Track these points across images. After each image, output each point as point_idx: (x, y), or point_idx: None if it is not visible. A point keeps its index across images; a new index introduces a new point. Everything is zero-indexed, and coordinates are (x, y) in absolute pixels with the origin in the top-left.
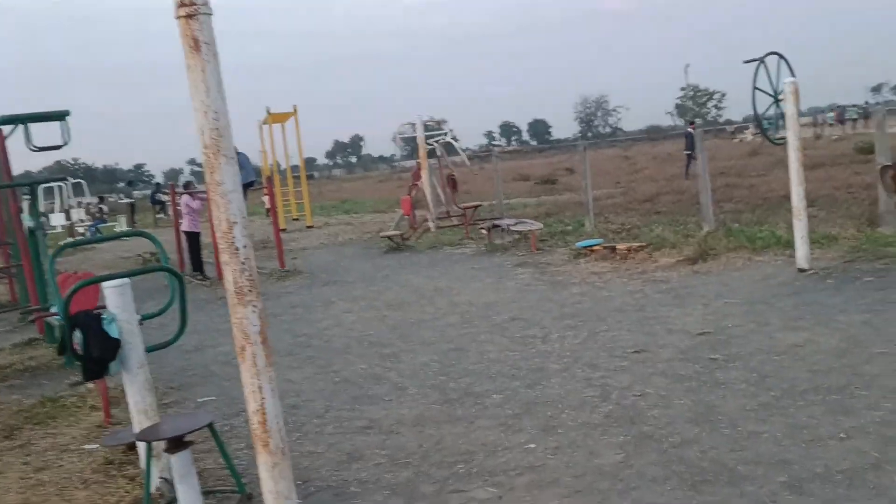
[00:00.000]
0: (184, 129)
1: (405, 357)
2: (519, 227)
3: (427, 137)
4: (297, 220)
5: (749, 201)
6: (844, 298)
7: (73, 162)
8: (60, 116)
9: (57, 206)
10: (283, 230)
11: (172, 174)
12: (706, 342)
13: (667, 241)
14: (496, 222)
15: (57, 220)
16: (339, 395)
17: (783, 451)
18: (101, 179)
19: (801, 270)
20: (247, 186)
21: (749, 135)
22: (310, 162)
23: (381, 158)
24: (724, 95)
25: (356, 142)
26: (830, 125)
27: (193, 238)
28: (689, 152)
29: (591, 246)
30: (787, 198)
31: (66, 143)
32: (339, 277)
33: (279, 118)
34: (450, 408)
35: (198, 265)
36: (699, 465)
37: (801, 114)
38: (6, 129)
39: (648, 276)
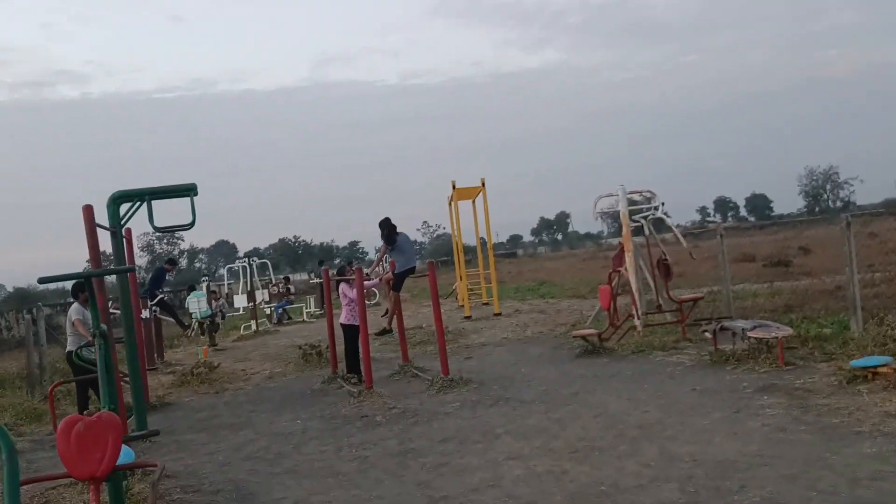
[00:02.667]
0: (400, 210)
1: None
2: (758, 334)
3: (632, 213)
4: (486, 304)
5: None
6: None
7: (293, 239)
8: (186, 192)
9: (240, 287)
10: (468, 318)
11: None
12: None
13: None
14: (724, 323)
15: (240, 301)
16: None
17: None
18: (318, 256)
19: None
20: (407, 273)
21: None
22: (515, 239)
23: (588, 235)
24: None
25: (562, 219)
26: None
27: (351, 332)
28: None
29: (874, 367)
30: None
31: (191, 224)
32: (514, 393)
33: (466, 193)
34: None
35: (354, 365)
36: None
37: None
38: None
39: None
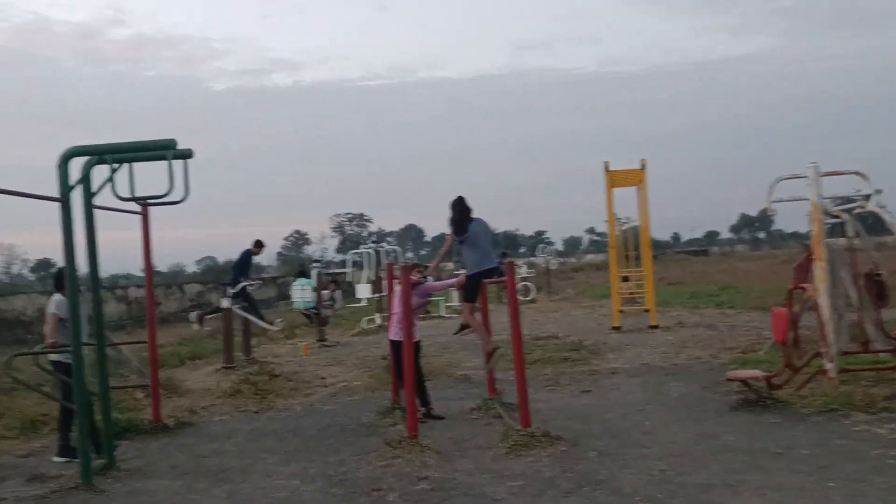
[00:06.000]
0: (583, 200)
1: None
2: None
3: (832, 204)
4: (648, 311)
5: None
6: None
7: None
8: (161, 149)
9: (364, 276)
10: (616, 329)
11: (572, 242)
12: None
13: None
14: None
15: (363, 292)
16: None
17: None
18: (501, 244)
19: None
20: (481, 276)
21: None
22: (711, 235)
23: (794, 235)
24: None
25: (766, 215)
26: None
27: (400, 350)
28: None
29: None
30: None
31: (177, 195)
32: (613, 471)
33: (624, 178)
34: None
35: (419, 394)
36: None
37: None
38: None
39: None
